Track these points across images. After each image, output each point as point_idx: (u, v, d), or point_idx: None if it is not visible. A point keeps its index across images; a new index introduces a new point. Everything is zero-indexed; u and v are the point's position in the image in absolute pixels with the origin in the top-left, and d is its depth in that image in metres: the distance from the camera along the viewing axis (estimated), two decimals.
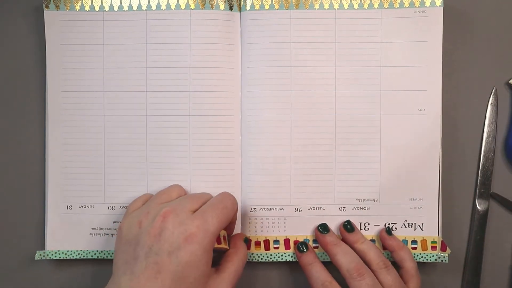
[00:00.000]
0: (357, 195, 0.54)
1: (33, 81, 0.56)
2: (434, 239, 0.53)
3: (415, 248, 0.54)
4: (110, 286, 0.44)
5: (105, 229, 0.55)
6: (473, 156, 0.55)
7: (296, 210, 0.54)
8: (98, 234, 0.55)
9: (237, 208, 0.50)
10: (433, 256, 0.53)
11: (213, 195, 0.51)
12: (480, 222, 0.55)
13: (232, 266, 0.48)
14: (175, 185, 0.52)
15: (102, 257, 0.55)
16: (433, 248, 0.54)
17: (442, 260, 0.53)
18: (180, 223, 0.44)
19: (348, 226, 0.53)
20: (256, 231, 0.54)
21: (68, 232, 0.55)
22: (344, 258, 0.50)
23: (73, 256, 0.54)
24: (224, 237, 0.50)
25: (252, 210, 0.54)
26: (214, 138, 0.54)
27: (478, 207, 0.55)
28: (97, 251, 0.55)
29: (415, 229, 0.54)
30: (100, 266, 0.56)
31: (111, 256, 0.54)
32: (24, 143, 0.56)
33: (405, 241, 0.53)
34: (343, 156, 0.54)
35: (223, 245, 0.49)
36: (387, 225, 0.54)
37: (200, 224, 0.44)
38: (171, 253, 0.42)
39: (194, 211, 0.46)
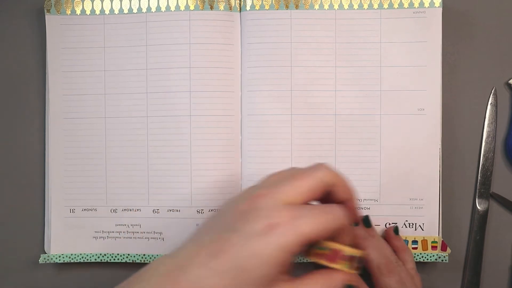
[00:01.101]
0: (357, 195, 0.54)
1: (34, 85, 0.56)
2: (434, 239, 0.53)
3: (416, 248, 0.54)
4: (175, 251, 0.38)
5: (108, 232, 0.55)
6: (473, 156, 0.55)
7: None
8: (101, 237, 0.55)
9: (347, 223, 0.39)
10: (433, 256, 0.53)
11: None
12: (480, 222, 0.55)
13: (321, 284, 0.38)
14: (290, 169, 0.42)
15: (105, 260, 0.55)
16: (434, 248, 0.53)
17: (442, 260, 0.53)
18: (269, 209, 0.36)
19: (366, 221, 0.53)
20: None
21: (71, 236, 0.55)
22: (375, 253, 0.49)
23: (76, 260, 0.54)
24: (351, 257, 0.38)
25: None
26: (214, 138, 0.54)
27: (478, 207, 0.55)
28: (100, 254, 0.55)
29: (415, 229, 0.54)
30: (103, 269, 0.56)
31: (114, 259, 0.55)
32: (25, 147, 0.56)
33: (405, 241, 0.53)
34: (343, 156, 0.54)
35: (323, 261, 0.38)
36: (391, 224, 0.54)
37: (290, 218, 0.36)
38: (247, 236, 0.35)
39: (292, 203, 0.37)
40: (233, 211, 0.38)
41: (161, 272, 0.36)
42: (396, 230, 0.53)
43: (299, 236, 0.35)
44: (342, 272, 0.38)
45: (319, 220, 0.36)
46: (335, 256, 0.38)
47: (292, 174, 0.39)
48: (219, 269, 0.35)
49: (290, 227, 0.35)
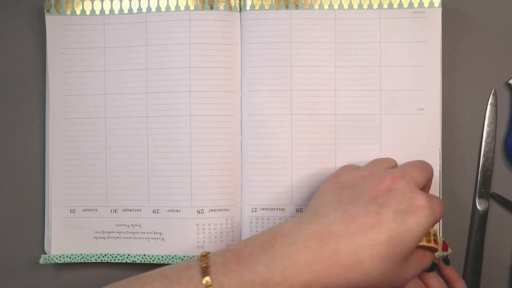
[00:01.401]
0: None
1: (34, 85, 0.57)
2: None
3: None
4: (307, 218, 0.41)
5: (108, 232, 0.55)
6: (473, 156, 0.55)
7: (298, 210, 0.54)
8: (101, 237, 0.55)
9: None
10: None
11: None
12: (480, 222, 0.55)
13: (422, 261, 0.43)
14: (391, 158, 0.49)
15: (105, 260, 0.55)
16: None
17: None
18: (411, 191, 0.41)
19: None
20: (257, 231, 0.54)
21: (71, 236, 0.55)
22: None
23: (77, 260, 0.54)
24: (434, 236, 0.45)
25: (253, 210, 0.54)
26: (215, 138, 0.54)
27: (478, 207, 0.55)
28: (101, 254, 0.55)
29: None
30: (104, 269, 0.56)
31: (114, 259, 0.55)
32: (25, 147, 0.56)
33: None
34: (343, 156, 0.54)
35: (433, 244, 0.44)
36: (444, 255, 0.52)
37: (428, 201, 0.40)
38: (398, 213, 0.39)
39: (419, 188, 0.42)
40: (372, 188, 0.41)
41: (309, 237, 0.39)
42: (446, 260, 0.51)
43: (434, 219, 0.40)
44: (431, 251, 0.44)
45: (442, 208, 0.42)
46: (438, 240, 0.45)
47: (413, 163, 0.45)
48: (376, 240, 0.38)
49: (430, 210, 0.40)
